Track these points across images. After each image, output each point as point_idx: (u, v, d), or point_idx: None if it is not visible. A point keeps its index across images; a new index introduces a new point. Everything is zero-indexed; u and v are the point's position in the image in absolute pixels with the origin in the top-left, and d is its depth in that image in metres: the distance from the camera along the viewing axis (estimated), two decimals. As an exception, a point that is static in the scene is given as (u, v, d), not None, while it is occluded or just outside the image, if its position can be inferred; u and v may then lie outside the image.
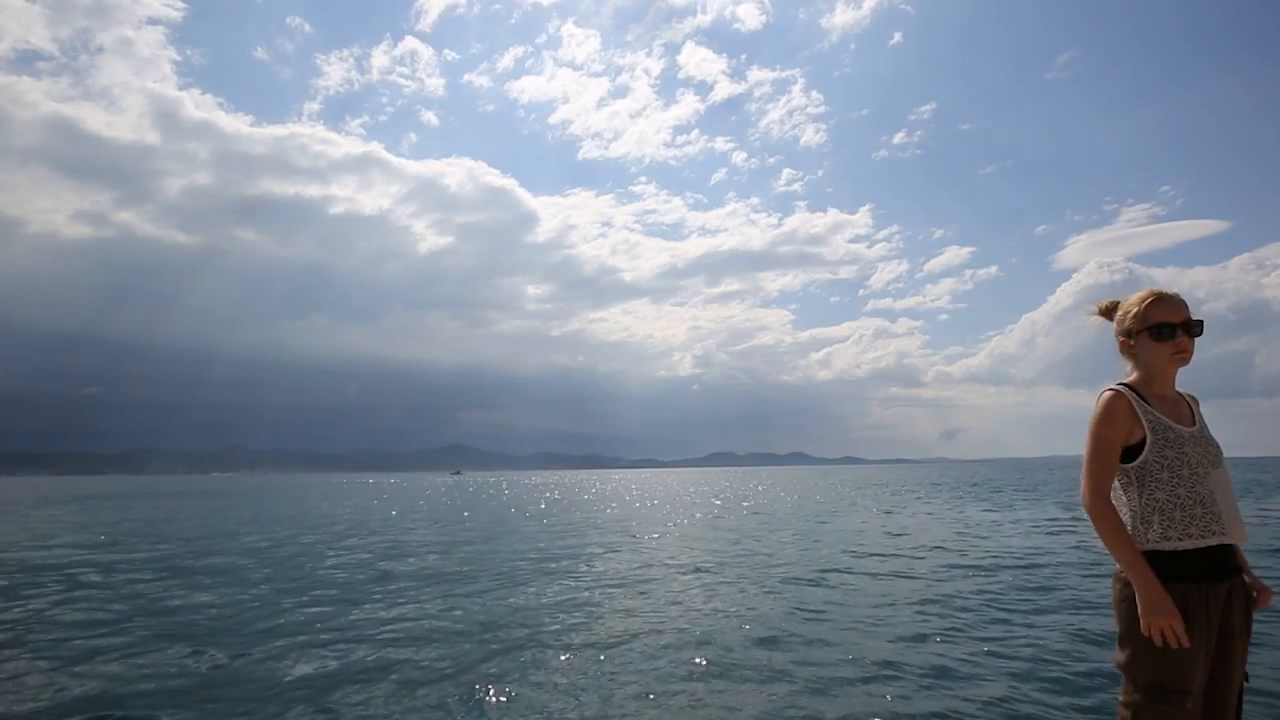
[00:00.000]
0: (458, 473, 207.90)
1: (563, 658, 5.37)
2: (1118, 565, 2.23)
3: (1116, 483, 2.25)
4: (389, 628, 6.43)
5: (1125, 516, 2.21)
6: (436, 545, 13.46)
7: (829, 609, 6.99)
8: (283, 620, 6.78)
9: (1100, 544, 2.04)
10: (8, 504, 34.49)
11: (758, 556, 11.07)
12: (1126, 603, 2.17)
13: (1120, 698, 2.19)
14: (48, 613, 7.32)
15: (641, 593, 8.14)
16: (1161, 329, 2.22)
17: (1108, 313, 2.42)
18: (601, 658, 5.36)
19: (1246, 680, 2.19)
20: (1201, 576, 2.10)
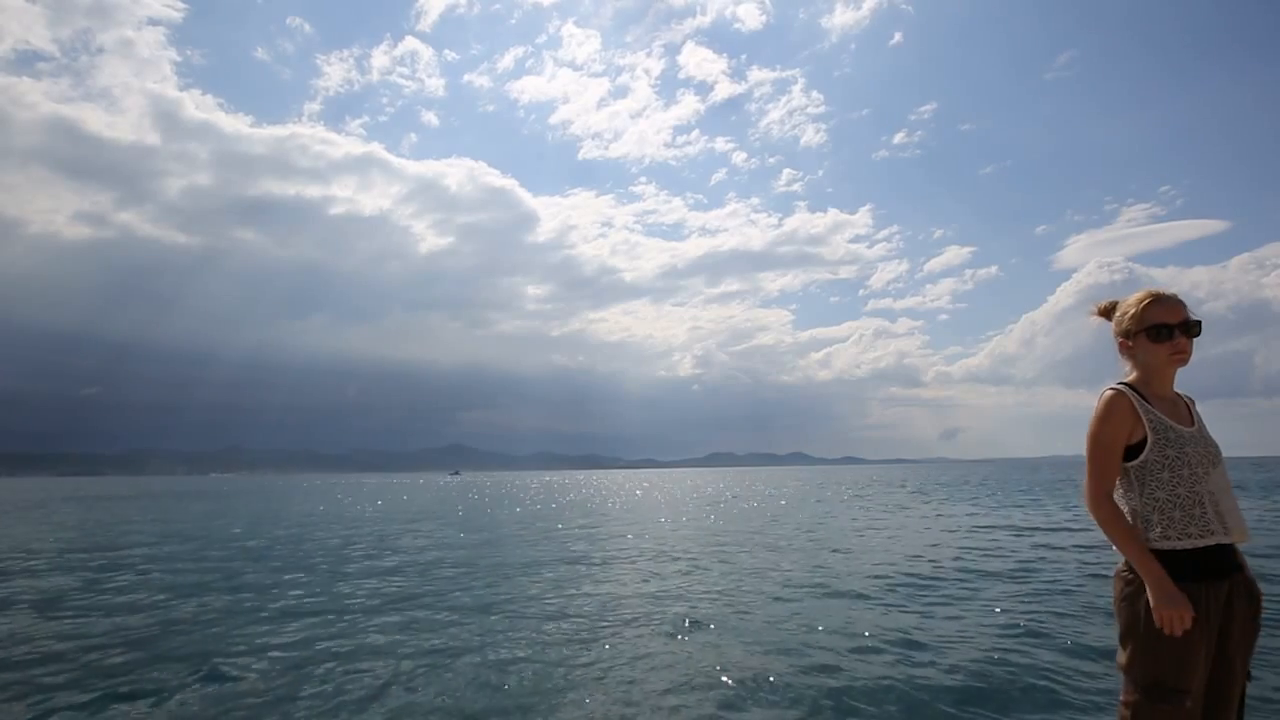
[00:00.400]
0: (456, 473, 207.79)
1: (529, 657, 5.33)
2: (1119, 564, 2.24)
3: (1117, 481, 2.26)
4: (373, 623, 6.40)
5: (1125, 516, 2.22)
6: (411, 546, 13.46)
7: (820, 609, 6.99)
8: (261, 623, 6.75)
9: (1100, 544, 2.25)
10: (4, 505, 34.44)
11: (738, 556, 11.02)
12: (1126, 602, 2.18)
13: (1120, 697, 2.19)
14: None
15: (614, 593, 8.09)
16: (1159, 330, 2.23)
17: (1106, 313, 2.43)
18: (581, 654, 5.33)
19: (1249, 679, 2.19)
20: (1202, 576, 2.10)
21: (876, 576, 8.87)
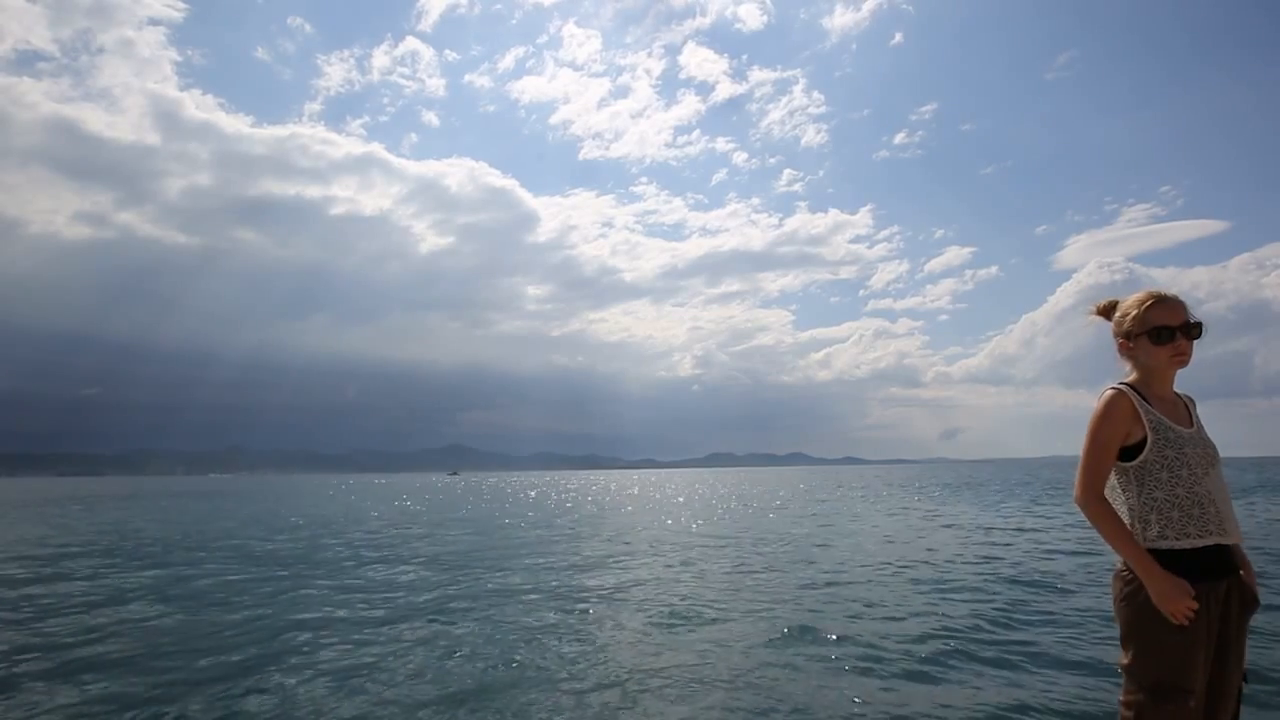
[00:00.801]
0: (454, 473, 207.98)
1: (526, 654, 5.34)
2: (1118, 565, 2.24)
3: (1115, 482, 2.27)
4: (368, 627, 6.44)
5: (1123, 516, 2.23)
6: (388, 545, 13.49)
7: (811, 610, 6.97)
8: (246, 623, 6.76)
9: (1099, 543, 2.28)
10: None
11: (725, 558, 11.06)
12: (1126, 602, 2.18)
13: (1121, 697, 2.19)
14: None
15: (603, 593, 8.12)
16: (1160, 332, 2.23)
17: (1105, 313, 2.43)
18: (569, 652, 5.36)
19: (1245, 680, 2.20)
20: (1200, 576, 2.11)
21: (875, 576, 8.87)
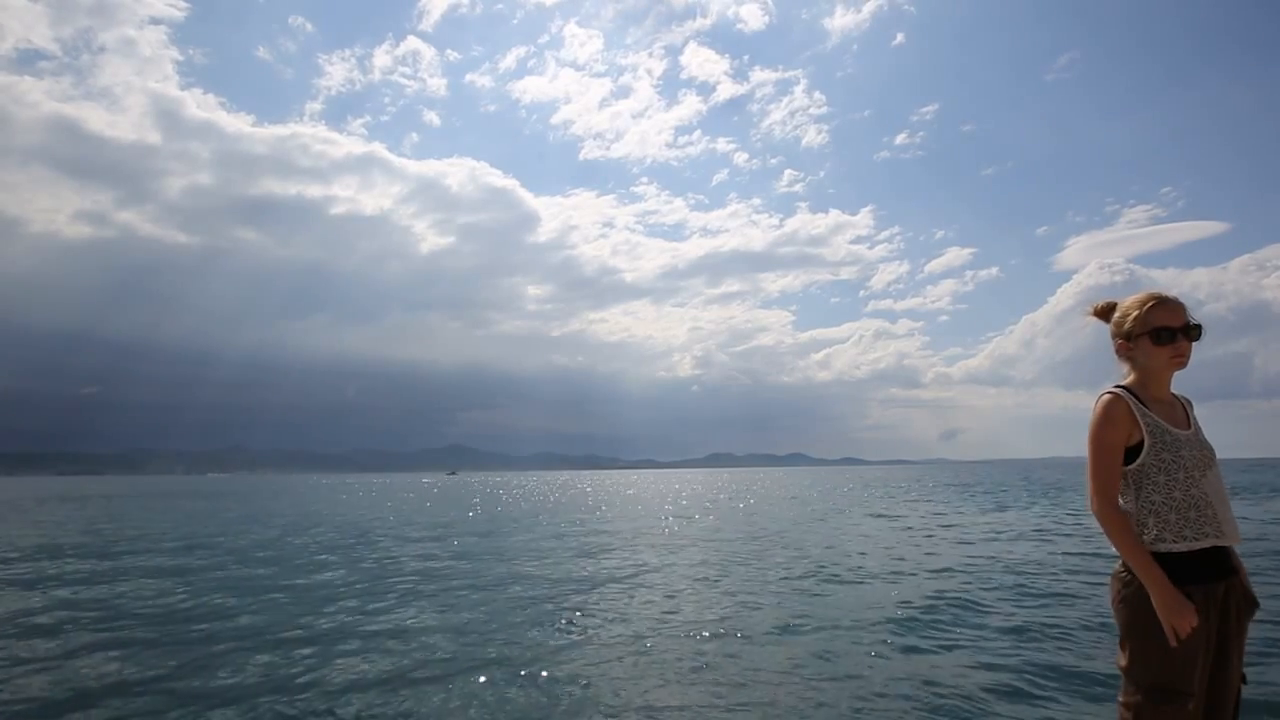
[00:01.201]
0: (453, 473, 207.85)
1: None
2: (1117, 565, 2.24)
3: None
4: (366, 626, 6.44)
5: (1122, 518, 2.24)
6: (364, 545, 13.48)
7: (815, 609, 6.96)
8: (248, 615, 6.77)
9: (1099, 544, 2.15)
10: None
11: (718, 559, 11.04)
12: (1125, 603, 2.17)
13: (1120, 698, 2.19)
14: None
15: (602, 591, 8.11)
16: (1162, 333, 2.23)
17: (1103, 314, 2.42)
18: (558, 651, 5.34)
19: (1244, 680, 2.20)
20: (1198, 578, 2.11)
21: (872, 578, 8.85)
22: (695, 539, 14.39)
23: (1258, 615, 2.25)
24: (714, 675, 4.89)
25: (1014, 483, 44.05)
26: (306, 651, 5.65)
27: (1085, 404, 2.34)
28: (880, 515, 19.85)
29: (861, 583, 8.55)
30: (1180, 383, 2.32)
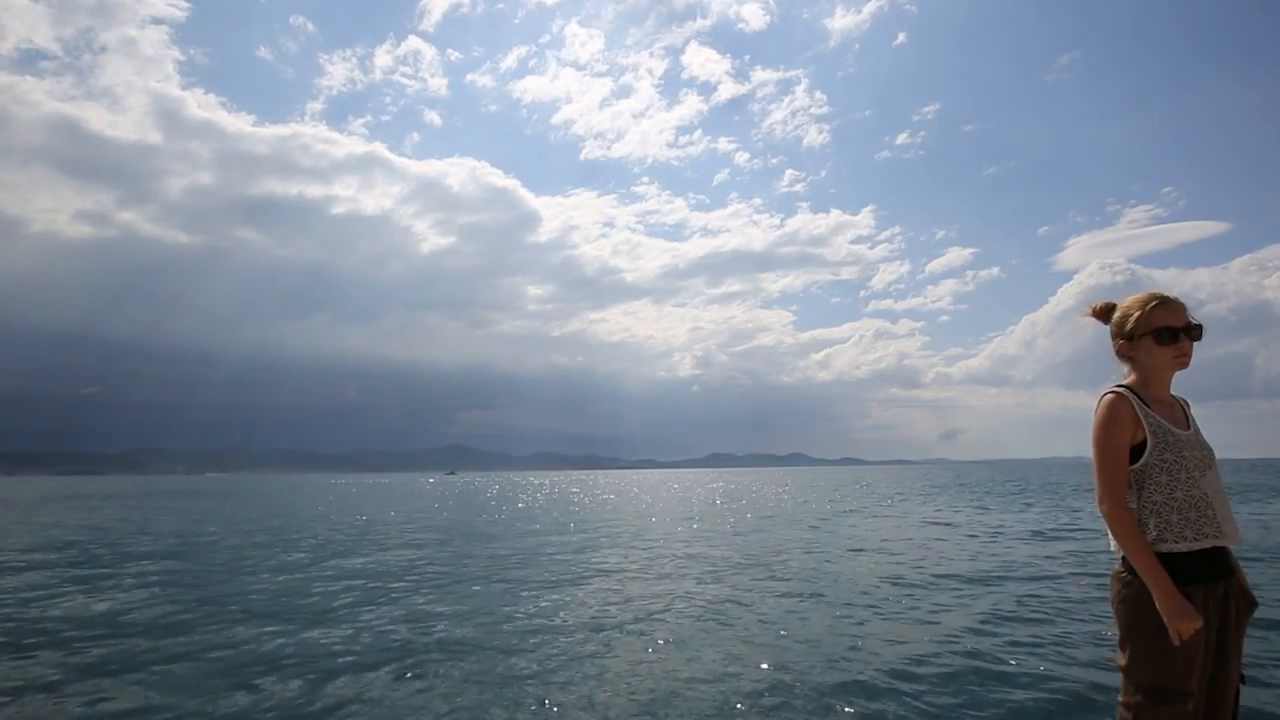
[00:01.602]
0: (452, 473, 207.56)
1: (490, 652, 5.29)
2: (1117, 565, 2.25)
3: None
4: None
5: (1122, 518, 2.24)
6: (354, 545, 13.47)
7: (814, 609, 6.92)
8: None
9: (1098, 544, 2.24)
10: None
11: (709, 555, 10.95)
12: (1125, 603, 2.17)
13: (1120, 698, 2.19)
14: None
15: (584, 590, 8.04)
16: (1165, 333, 2.22)
17: (1102, 314, 2.41)
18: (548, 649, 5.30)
19: (1243, 681, 2.20)
20: (1199, 578, 2.11)
21: (869, 576, 8.81)
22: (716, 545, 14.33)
23: (1256, 615, 2.25)
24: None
25: (1015, 482, 43.99)
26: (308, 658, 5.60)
27: (1086, 404, 2.33)
28: (885, 516, 19.82)
29: (856, 563, 8.47)
30: (1181, 383, 2.31)
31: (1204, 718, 2.13)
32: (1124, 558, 2.19)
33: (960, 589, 7.95)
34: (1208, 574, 2.13)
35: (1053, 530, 14.33)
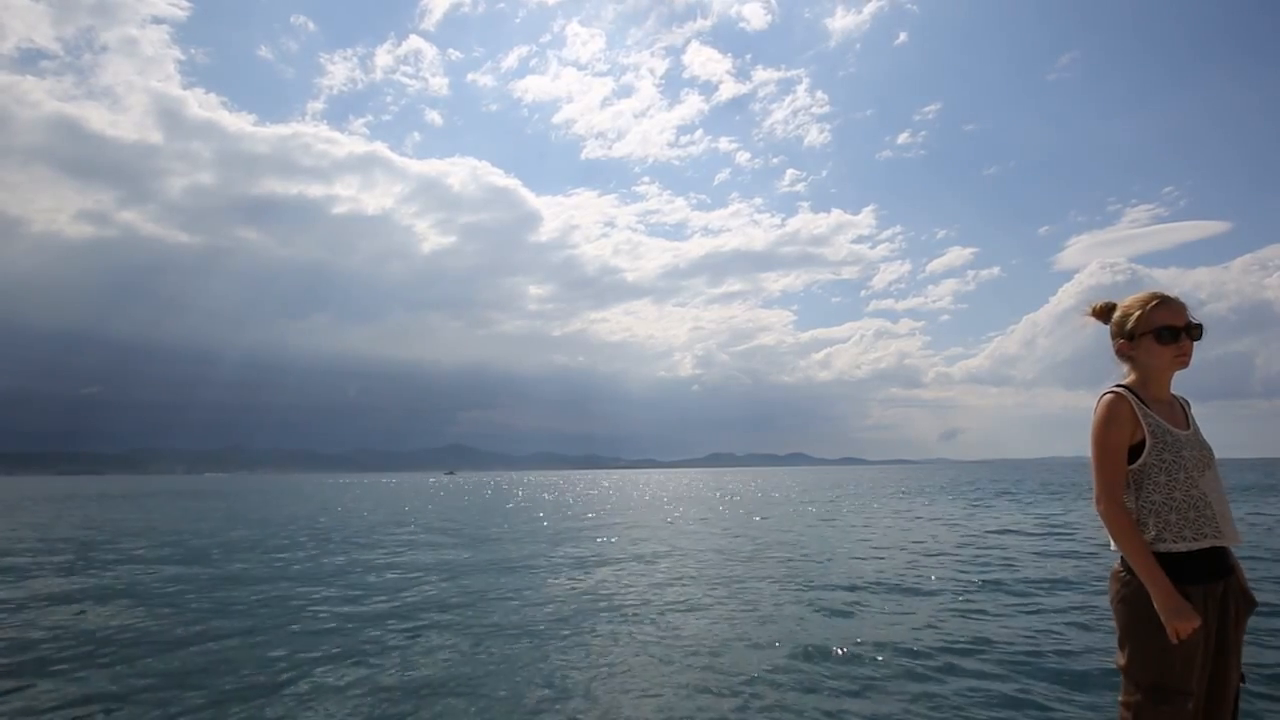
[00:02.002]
0: (451, 473, 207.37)
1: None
2: (1116, 564, 2.24)
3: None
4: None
5: (1122, 518, 2.24)
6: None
7: (811, 608, 6.94)
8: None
9: (1097, 543, 2.22)
10: None
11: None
12: (1124, 603, 2.17)
13: (1120, 698, 2.19)
14: None
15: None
16: (1165, 332, 2.22)
17: (1102, 314, 2.41)
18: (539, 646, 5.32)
19: (1243, 680, 2.19)
20: (1198, 578, 2.11)
21: (867, 576, 8.82)
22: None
23: (1256, 614, 2.25)
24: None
25: (1015, 482, 44.00)
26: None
27: (1086, 404, 2.33)
28: (883, 516, 19.83)
29: (859, 580, 8.48)
30: (1181, 383, 2.30)
31: (1204, 717, 2.13)
32: (1123, 557, 2.19)
33: (960, 588, 7.95)
34: (1207, 574, 2.12)
35: (1052, 530, 14.34)
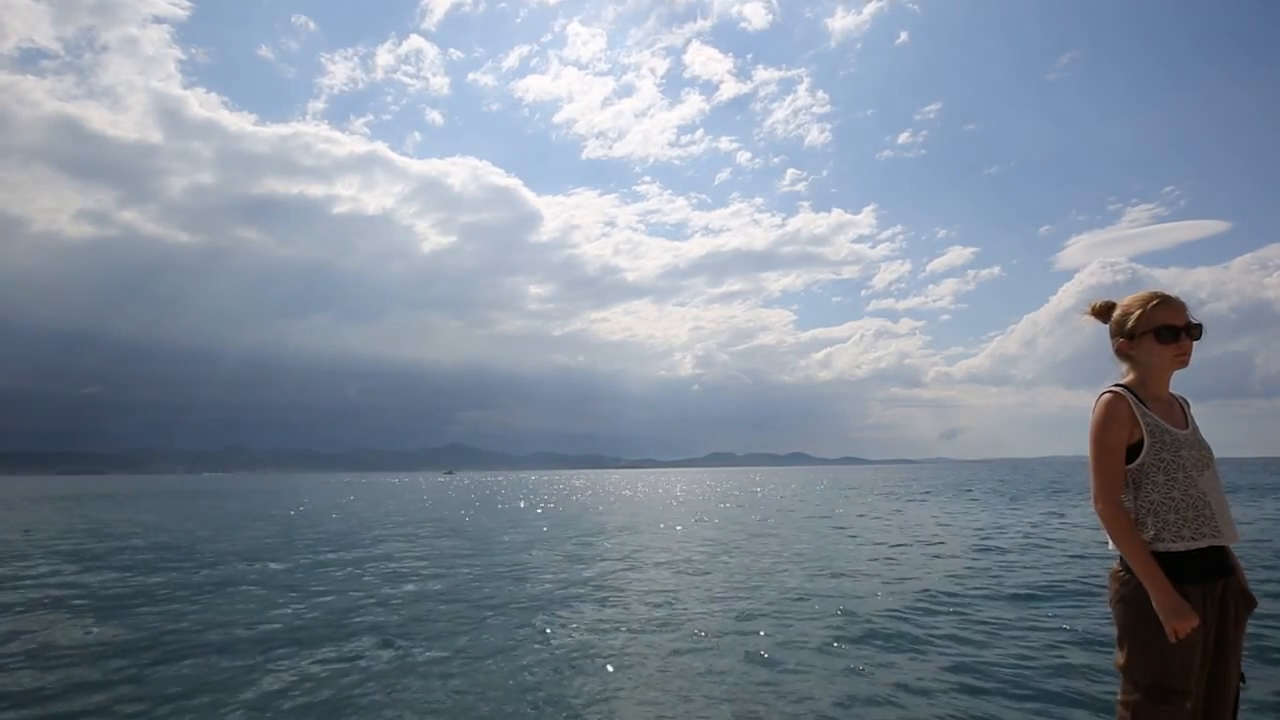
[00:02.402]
0: (449, 472, 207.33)
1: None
2: (1115, 564, 2.24)
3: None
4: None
5: (1121, 518, 2.24)
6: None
7: (811, 608, 6.93)
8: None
9: (1097, 542, 2.23)
10: None
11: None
12: (1123, 602, 2.17)
13: (1119, 697, 2.19)
14: None
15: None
16: (1165, 332, 2.22)
17: (1101, 313, 2.41)
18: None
19: (1242, 680, 2.19)
20: (1197, 578, 2.11)
21: (865, 577, 8.84)
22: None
23: (1255, 614, 2.25)
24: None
25: (1015, 482, 44.00)
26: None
27: (1086, 403, 2.34)
28: (881, 515, 19.83)
29: (857, 580, 8.52)
30: (1181, 382, 2.31)
31: (1203, 717, 2.13)
32: (1122, 556, 2.19)
33: (959, 587, 7.96)
34: (1206, 573, 2.12)
35: (1051, 529, 14.33)
